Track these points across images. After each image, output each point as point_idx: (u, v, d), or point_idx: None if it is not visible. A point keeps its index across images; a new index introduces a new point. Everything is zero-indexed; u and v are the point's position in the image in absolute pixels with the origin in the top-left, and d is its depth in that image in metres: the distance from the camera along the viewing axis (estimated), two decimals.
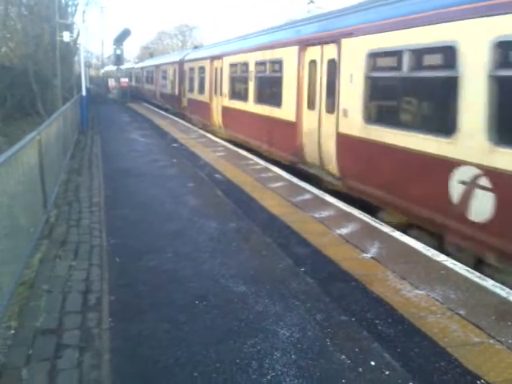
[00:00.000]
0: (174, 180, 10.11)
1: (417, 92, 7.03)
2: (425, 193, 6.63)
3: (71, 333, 4.03)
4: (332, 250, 5.97)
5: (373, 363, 3.67)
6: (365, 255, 5.83)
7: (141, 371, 3.57)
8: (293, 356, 3.77)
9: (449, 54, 6.23)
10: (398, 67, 7.18)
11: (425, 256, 5.78)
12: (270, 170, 11.05)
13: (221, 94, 16.77)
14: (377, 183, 7.74)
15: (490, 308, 4.48)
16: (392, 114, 7.49)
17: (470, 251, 6.08)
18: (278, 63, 11.70)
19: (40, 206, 6.68)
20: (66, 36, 23.46)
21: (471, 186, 5.80)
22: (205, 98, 19.07)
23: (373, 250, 5.96)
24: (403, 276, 5.20)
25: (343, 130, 8.67)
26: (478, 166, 5.71)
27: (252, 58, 13.55)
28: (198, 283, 5.05)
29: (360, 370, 3.60)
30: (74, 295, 4.74)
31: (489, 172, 5.55)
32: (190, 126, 21.07)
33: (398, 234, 6.56)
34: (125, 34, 39.52)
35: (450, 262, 5.57)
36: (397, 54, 7.20)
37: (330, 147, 9.13)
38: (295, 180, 10.00)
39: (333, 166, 9.13)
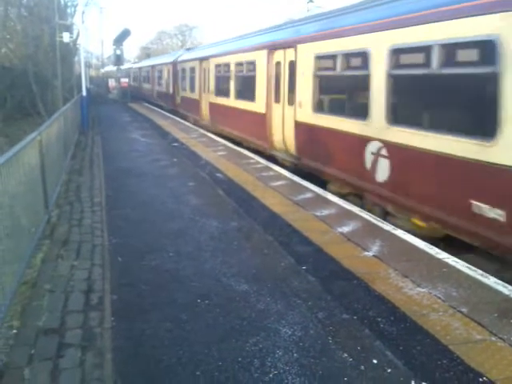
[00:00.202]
0: (175, 179, 10.11)
1: (346, 87, 9.07)
2: (351, 164, 8.57)
3: (73, 332, 4.04)
4: (333, 249, 5.97)
5: (375, 361, 3.67)
6: (366, 253, 5.83)
7: (143, 370, 3.57)
8: (295, 354, 3.77)
9: (364, 57, 8.14)
10: (334, 67, 9.21)
11: (427, 254, 5.78)
12: (271, 169, 11.05)
13: (208, 92, 18.80)
14: (323, 160, 9.67)
15: (493, 305, 4.48)
16: (331, 104, 9.65)
17: (380, 206, 7.89)
18: (252, 64, 13.65)
19: (41, 206, 6.68)
20: (66, 37, 23.48)
21: (377, 155, 7.73)
22: (195, 95, 21.12)
23: (374, 248, 5.96)
24: (405, 274, 5.20)
25: (299, 118, 10.66)
26: (380, 140, 7.67)
27: (233, 60, 15.62)
28: (200, 282, 5.06)
29: (362, 367, 3.60)
30: (76, 295, 4.74)
31: (386, 144, 7.50)
32: (190, 125, 21.08)
33: (399, 232, 6.56)
34: (124, 34, 39.54)
35: (451, 260, 5.57)
36: (333, 57, 9.20)
37: (291, 133, 11.10)
38: (296, 179, 10.00)
39: (293, 148, 11.06)
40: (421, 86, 6.81)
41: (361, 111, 8.13)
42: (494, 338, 3.95)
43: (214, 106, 18.17)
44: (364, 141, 8.01)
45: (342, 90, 9.12)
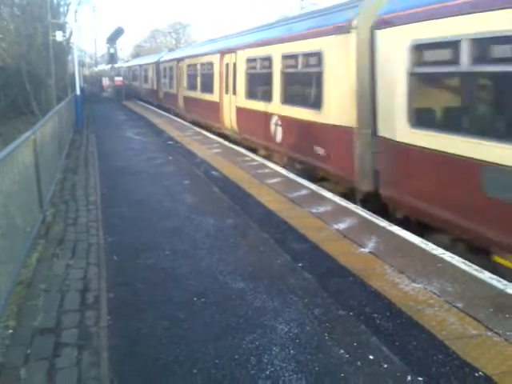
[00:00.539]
0: (170, 177, 10.10)
1: (261, 81, 12.73)
2: (265, 132, 12.31)
3: (69, 331, 4.03)
4: (329, 245, 5.98)
5: (371, 357, 3.68)
6: (362, 250, 5.84)
7: (140, 369, 3.57)
8: (291, 351, 3.77)
9: (270, 61, 11.54)
10: (255, 67, 12.92)
11: (422, 250, 5.80)
12: (266, 167, 11.05)
13: (183, 87, 22.94)
14: (251, 133, 13.66)
15: (488, 300, 4.50)
16: (253, 92, 13.42)
17: (281, 158, 11.79)
18: (210, 64, 17.85)
19: (36, 205, 6.66)
20: (59, 35, 23.39)
21: (276, 125, 11.65)
22: (174, 91, 25.09)
23: (370, 245, 5.97)
24: (401, 270, 5.22)
25: (238, 104, 14.52)
26: (277, 115, 11.57)
27: (199, 61, 19.79)
28: (196, 280, 5.05)
29: (358, 363, 3.61)
30: (72, 294, 4.73)
31: (280, 117, 11.45)
32: (185, 123, 21.05)
33: (395, 229, 6.58)
34: (118, 32, 39.42)
35: (447, 255, 5.59)
36: (255, 60, 12.84)
37: (234, 115, 14.95)
38: (292, 176, 10.00)
39: (236, 126, 14.88)
40: (293, 80, 11.05)
41: (268, 96, 12.02)
42: (489, 333, 3.97)
43: (186, 99, 22.37)
44: (269, 115, 12.01)
45: (260, 82, 13.00)
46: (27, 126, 14.18)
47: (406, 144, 6.93)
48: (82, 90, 23.02)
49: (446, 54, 6.29)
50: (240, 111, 14.42)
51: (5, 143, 14.14)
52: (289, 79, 11.13)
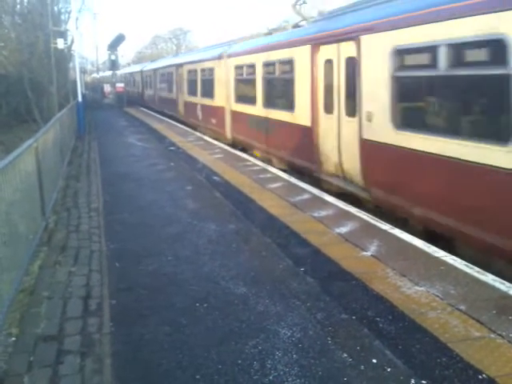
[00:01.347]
0: (172, 183, 10.12)
1: (205, 84, 18.58)
2: (220, 123, 16.93)
3: (72, 338, 4.03)
4: (331, 249, 5.97)
5: (374, 361, 3.68)
6: (364, 253, 5.84)
7: (143, 375, 3.57)
8: (294, 355, 3.77)
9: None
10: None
11: (424, 252, 5.79)
12: (268, 171, 11.06)
13: (158, 90, 30.87)
14: (201, 123, 19.56)
15: (491, 302, 4.49)
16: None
17: (233, 144, 15.50)
18: (170, 74, 24.37)
19: (39, 212, 6.68)
20: (60, 43, 23.47)
21: (230, 117, 15.95)
22: (152, 93, 32.89)
23: (372, 248, 5.97)
24: (403, 273, 5.21)
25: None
26: (231, 110, 15.72)
27: (171, 71, 25.88)
28: (199, 286, 5.06)
29: (362, 367, 3.60)
30: (75, 301, 4.74)
31: (232, 112, 15.61)
32: (187, 129, 21.10)
33: (397, 232, 6.57)
34: (119, 39, 39.56)
35: (449, 258, 5.58)
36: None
37: (200, 111, 19.83)
38: (293, 180, 10.01)
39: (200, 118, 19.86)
40: (249, 84, 13.89)
41: (217, 96, 17.09)
42: (492, 335, 3.96)
43: (160, 99, 30.23)
44: (223, 109, 16.37)
45: (205, 85, 18.90)
46: (29, 134, 14.23)
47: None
48: (83, 96, 23.09)
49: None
50: (195, 106, 20.49)
51: (7, 151, 14.19)
52: (240, 84, 14.96)
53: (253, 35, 15.94)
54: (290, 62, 10.92)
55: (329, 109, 9.35)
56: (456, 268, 5.29)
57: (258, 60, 12.90)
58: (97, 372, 3.59)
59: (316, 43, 9.70)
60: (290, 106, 10.95)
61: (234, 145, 15.54)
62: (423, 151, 6.54)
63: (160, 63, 31.62)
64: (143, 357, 3.78)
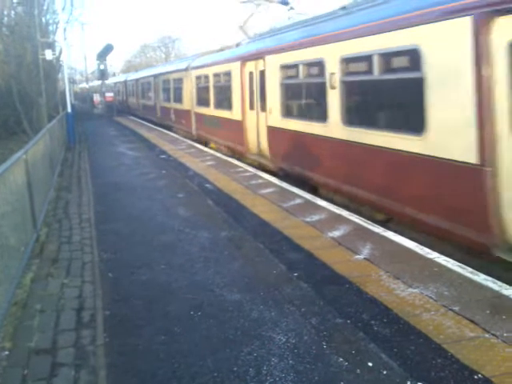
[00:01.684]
0: (164, 192, 10.09)
1: (175, 90, 23.23)
2: (188, 123, 20.81)
3: (66, 351, 4.00)
4: (325, 254, 5.98)
5: (370, 364, 3.68)
6: (357, 257, 5.85)
7: None
8: (290, 361, 3.76)
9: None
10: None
11: (417, 254, 5.81)
12: (259, 177, 11.07)
13: (140, 98, 34.64)
14: (174, 123, 23.67)
15: (484, 302, 4.51)
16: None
17: (198, 140, 18.75)
18: (149, 83, 29.81)
19: (30, 224, 6.63)
20: (49, 54, 23.39)
21: (195, 118, 19.76)
22: (134, 100, 37.13)
23: (365, 251, 5.98)
24: (396, 275, 5.23)
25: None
26: (194, 112, 19.77)
27: (149, 80, 30.14)
28: (193, 294, 5.04)
29: (358, 371, 3.60)
30: (68, 313, 4.70)
31: (196, 113, 19.72)
32: (177, 137, 21.10)
33: (390, 234, 6.59)
34: (107, 49, 39.53)
35: (442, 259, 5.60)
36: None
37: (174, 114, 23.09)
38: (285, 185, 10.02)
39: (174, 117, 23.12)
40: (205, 91, 17.50)
41: (185, 101, 20.58)
42: (487, 335, 3.97)
43: (141, 105, 34.27)
44: (190, 112, 20.10)
45: (176, 93, 22.81)
46: (20, 146, 14.16)
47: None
48: (73, 107, 23.02)
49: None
50: (170, 110, 24.15)
51: None
52: (200, 89, 18.88)
53: (213, 50, 19.86)
54: (228, 74, 14.71)
55: (252, 106, 13.04)
56: (449, 269, 5.31)
57: (210, 72, 16.89)
58: None
59: (244, 60, 13.44)
60: (229, 106, 14.71)
61: (198, 140, 19.22)
62: (295, 130, 10.43)
63: (141, 74, 35.95)
64: (138, 367, 3.75)
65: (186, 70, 20.60)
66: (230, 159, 14.00)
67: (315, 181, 9.77)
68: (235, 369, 3.68)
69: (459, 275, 5.14)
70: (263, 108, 12.07)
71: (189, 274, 5.57)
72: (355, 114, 8.33)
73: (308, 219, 7.47)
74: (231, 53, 15.28)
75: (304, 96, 10.37)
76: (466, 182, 5.84)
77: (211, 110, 16.93)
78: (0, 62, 27.63)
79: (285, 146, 10.98)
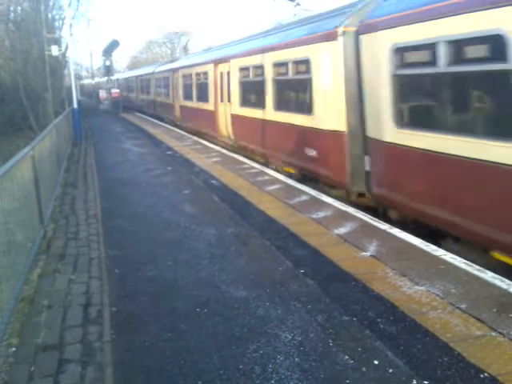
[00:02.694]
0: (170, 188, 10.11)
1: (159, 88, 29.16)
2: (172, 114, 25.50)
3: (73, 347, 4.02)
4: (331, 251, 5.97)
5: (376, 362, 3.67)
6: (363, 254, 5.84)
7: (144, 383, 3.56)
8: (296, 359, 3.76)
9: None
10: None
11: (423, 251, 5.80)
12: (265, 174, 11.06)
13: (139, 93, 38.32)
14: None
15: (491, 300, 4.49)
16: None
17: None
18: (147, 80, 33.18)
19: (36, 220, 6.66)
20: (55, 50, 23.45)
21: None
22: (134, 95, 40.27)
23: (371, 248, 5.97)
24: (403, 273, 5.21)
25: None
26: (178, 105, 24.06)
27: (148, 78, 32.81)
28: (199, 290, 5.05)
29: (364, 369, 3.60)
30: (75, 309, 4.72)
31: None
32: (183, 133, 21.11)
33: (396, 231, 6.58)
34: (113, 44, 39.54)
35: (449, 257, 5.58)
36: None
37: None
38: (291, 182, 10.01)
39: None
40: (189, 87, 20.92)
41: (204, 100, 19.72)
42: (493, 333, 3.96)
43: (139, 100, 37.14)
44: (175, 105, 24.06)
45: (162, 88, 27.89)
46: (26, 142, 14.22)
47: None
48: (79, 103, 23.07)
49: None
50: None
51: (3, 160, 14.15)
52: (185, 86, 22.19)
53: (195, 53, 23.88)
54: (206, 73, 18.06)
55: (222, 99, 16.19)
56: (456, 266, 5.29)
57: (193, 71, 20.29)
58: (98, 381, 3.57)
59: (216, 62, 16.76)
60: (206, 99, 18.06)
61: (182, 128, 22.59)
62: (249, 116, 13.27)
63: (137, 72, 40.04)
64: (145, 364, 3.77)
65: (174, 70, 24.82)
66: (235, 156, 14.00)
67: (262, 153, 12.84)
68: (241, 366, 3.68)
69: (466, 273, 5.13)
70: (229, 100, 15.33)
71: (195, 271, 5.58)
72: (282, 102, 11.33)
73: (314, 216, 7.46)
74: (206, 56, 19.20)
75: (253, 90, 13.34)
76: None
77: (194, 104, 20.45)
78: (6, 57, 27.72)
79: (242, 129, 14.44)
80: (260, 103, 12.42)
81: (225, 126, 15.97)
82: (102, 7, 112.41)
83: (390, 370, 3.57)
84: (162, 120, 27.65)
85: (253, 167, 11.98)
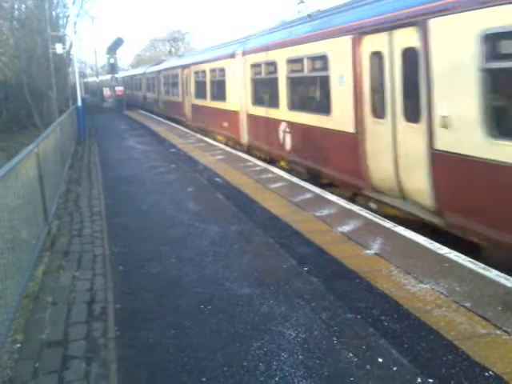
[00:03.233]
0: (173, 186, 10.11)
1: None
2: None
3: (77, 344, 4.03)
4: (335, 248, 5.96)
5: (380, 360, 3.66)
6: (368, 252, 5.83)
7: (149, 380, 3.57)
8: (300, 356, 3.76)
9: (175, 75, 25.58)
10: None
11: (428, 249, 5.78)
12: (269, 171, 11.05)
13: (138, 90, 41.10)
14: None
15: (496, 299, 4.48)
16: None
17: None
18: (139, 79, 40.67)
19: (41, 217, 6.68)
20: (59, 48, 23.47)
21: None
22: (139, 93, 41.12)
23: (375, 246, 5.96)
24: (407, 271, 5.20)
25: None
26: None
27: (153, 76, 33.00)
28: (203, 288, 5.05)
29: (368, 367, 3.59)
30: (79, 306, 4.73)
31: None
32: (187, 131, 21.11)
33: (400, 229, 6.56)
34: (117, 42, 39.58)
35: (453, 255, 5.56)
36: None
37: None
38: (295, 180, 10.00)
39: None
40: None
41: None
42: (498, 332, 3.94)
43: (143, 98, 37.98)
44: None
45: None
46: (30, 139, 14.24)
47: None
48: (83, 100, 23.10)
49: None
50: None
51: (8, 157, 14.19)
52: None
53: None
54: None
55: (202, 96, 18.63)
56: (460, 265, 5.27)
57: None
58: (103, 377, 3.58)
59: (184, 67, 21.41)
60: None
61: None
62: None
63: (138, 70, 42.67)
64: (149, 361, 3.77)
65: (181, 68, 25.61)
66: (239, 153, 14.00)
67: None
68: (245, 363, 3.68)
69: (470, 271, 5.11)
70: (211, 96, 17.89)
71: (199, 268, 5.58)
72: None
73: (318, 214, 7.45)
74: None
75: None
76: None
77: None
78: (11, 55, 27.78)
79: (206, 119, 17.13)
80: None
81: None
82: (106, 5, 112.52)
83: (395, 368, 3.56)
84: (171, 120, 26.33)
85: (256, 165, 11.98)
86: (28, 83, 25.86)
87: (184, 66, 22.73)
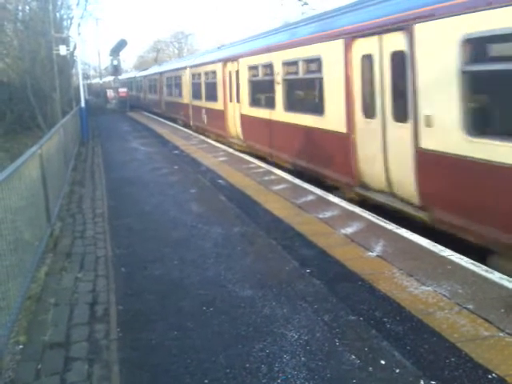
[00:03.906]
0: (176, 187, 10.12)
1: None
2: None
3: (80, 345, 4.03)
4: (337, 250, 5.96)
5: (383, 362, 3.66)
6: (370, 254, 5.82)
7: (151, 381, 3.57)
8: (302, 358, 3.75)
9: (157, 78, 31.98)
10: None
11: (430, 252, 5.76)
12: (272, 173, 11.04)
13: (138, 91, 43.01)
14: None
15: (499, 301, 4.46)
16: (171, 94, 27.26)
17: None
18: (140, 81, 42.01)
19: (44, 219, 6.69)
20: (63, 49, 23.54)
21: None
22: (140, 94, 42.49)
23: (378, 249, 5.95)
24: (410, 273, 5.19)
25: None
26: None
27: (156, 77, 33.07)
28: (205, 289, 5.05)
29: (370, 369, 3.58)
30: (81, 307, 4.74)
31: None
32: (190, 132, 21.14)
33: (402, 231, 6.54)
34: (121, 44, 39.68)
35: (456, 257, 5.55)
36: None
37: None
38: (298, 181, 9.99)
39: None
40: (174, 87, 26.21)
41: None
42: (501, 334, 3.93)
43: (143, 99, 39.07)
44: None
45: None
46: (34, 141, 14.29)
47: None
48: (86, 102, 23.16)
49: None
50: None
51: (12, 159, 14.23)
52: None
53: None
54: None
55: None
56: (463, 267, 5.26)
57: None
58: (105, 379, 3.58)
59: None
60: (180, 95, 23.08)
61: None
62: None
63: (133, 73, 45.70)
64: (151, 362, 3.77)
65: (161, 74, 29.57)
66: (242, 155, 14.00)
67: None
68: (247, 365, 3.68)
69: (473, 273, 5.09)
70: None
71: (201, 270, 5.58)
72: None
73: (320, 216, 7.44)
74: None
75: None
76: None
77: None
78: (14, 57, 27.86)
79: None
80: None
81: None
82: (109, 7, 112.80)
83: (397, 370, 3.55)
84: (174, 121, 26.63)
85: (259, 167, 11.97)
86: (32, 85, 25.92)
87: (191, 67, 22.89)
